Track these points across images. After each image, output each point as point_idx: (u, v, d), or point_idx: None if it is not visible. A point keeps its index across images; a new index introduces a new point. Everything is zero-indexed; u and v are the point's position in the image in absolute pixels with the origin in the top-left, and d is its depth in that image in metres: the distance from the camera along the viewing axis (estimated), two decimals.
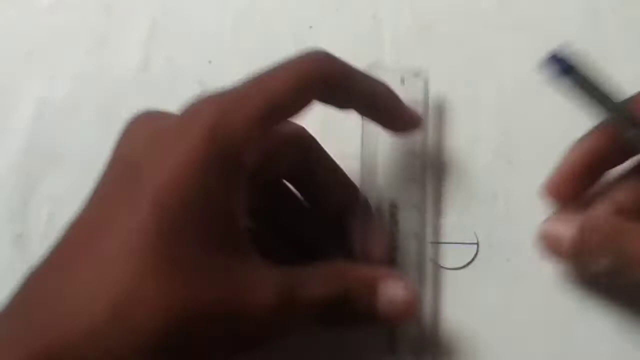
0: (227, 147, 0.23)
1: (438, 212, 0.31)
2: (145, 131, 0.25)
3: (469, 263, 0.30)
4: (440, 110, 0.33)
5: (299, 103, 0.25)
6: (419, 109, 0.31)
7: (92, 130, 0.33)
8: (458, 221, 0.31)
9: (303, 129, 0.28)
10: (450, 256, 0.30)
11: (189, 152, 0.23)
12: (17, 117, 0.34)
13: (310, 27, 0.34)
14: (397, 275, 0.26)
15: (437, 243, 0.31)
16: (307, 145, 0.29)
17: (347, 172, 0.30)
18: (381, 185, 0.31)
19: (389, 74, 0.31)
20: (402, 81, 0.32)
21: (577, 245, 0.27)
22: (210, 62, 0.34)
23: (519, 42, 0.34)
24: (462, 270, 0.30)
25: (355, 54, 0.34)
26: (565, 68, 0.25)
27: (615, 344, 0.29)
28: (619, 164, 0.29)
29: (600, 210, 0.28)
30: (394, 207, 0.30)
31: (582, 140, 0.28)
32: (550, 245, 0.28)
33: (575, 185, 0.29)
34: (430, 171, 0.32)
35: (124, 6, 0.35)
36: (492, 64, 0.34)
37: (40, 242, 0.31)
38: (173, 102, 0.29)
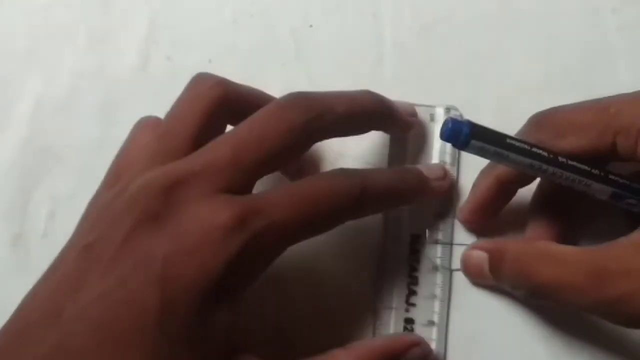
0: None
1: (443, 215, 0.31)
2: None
3: None
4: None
5: None
6: (448, 146, 0.31)
7: (91, 129, 0.33)
8: (459, 222, 0.31)
9: None
10: (453, 257, 0.30)
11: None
12: (16, 115, 0.33)
13: (311, 25, 0.34)
14: (416, 340, 0.28)
15: (438, 244, 0.31)
16: None
17: None
18: (404, 215, 0.31)
19: (418, 110, 0.31)
20: (432, 117, 0.32)
21: (492, 272, 0.28)
22: (210, 61, 0.34)
23: (519, 41, 0.34)
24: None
25: (355, 53, 0.34)
26: (463, 141, 0.25)
27: (618, 338, 0.29)
28: (527, 184, 0.29)
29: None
30: (415, 238, 0.31)
31: (488, 166, 0.29)
32: (474, 272, 0.29)
33: (487, 210, 0.30)
34: None
35: (122, 4, 0.35)
36: (493, 63, 0.33)
37: (39, 242, 0.31)
38: (172, 101, 0.29)
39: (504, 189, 0.29)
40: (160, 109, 0.27)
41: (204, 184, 0.24)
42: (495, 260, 0.28)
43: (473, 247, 0.29)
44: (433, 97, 0.32)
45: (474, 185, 0.30)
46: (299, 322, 0.30)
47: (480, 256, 0.28)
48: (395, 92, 0.32)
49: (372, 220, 0.31)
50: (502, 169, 0.29)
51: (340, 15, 0.34)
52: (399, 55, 0.34)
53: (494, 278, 0.28)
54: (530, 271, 0.26)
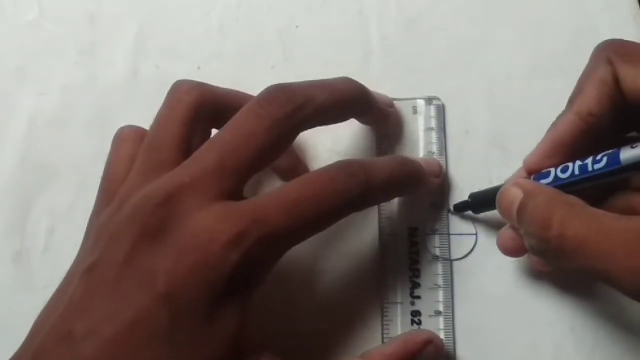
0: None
1: (438, 205, 0.31)
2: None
3: (469, 253, 0.30)
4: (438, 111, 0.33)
5: None
6: (433, 136, 0.31)
7: (85, 141, 0.33)
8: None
9: None
10: (451, 247, 0.30)
11: None
12: (11, 132, 0.33)
13: (297, 26, 0.34)
14: (429, 337, 0.27)
15: (436, 234, 0.31)
16: None
17: None
18: (399, 209, 0.31)
19: (400, 103, 0.32)
20: (415, 110, 0.32)
21: (518, 211, 0.25)
22: (199, 67, 0.34)
23: (505, 28, 0.34)
24: (463, 261, 0.30)
25: (343, 50, 0.34)
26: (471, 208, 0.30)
27: (617, 317, 0.29)
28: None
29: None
30: (412, 230, 0.31)
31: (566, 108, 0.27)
32: (505, 209, 0.27)
33: (566, 148, 0.27)
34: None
35: (109, 15, 0.35)
36: (481, 51, 0.33)
37: (40, 257, 0.31)
38: None
39: (588, 125, 0.26)
40: (152, 118, 0.28)
41: (195, 195, 0.24)
42: (526, 199, 0.25)
43: (514, 182, 0.27)
44: (424, 89, 0.33)
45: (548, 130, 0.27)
46: (306, 324, 0.30)
47: (516, 194, 0.26)
48: (385, 86, 0.32)
49: (370, 218, 0.31)
50: (580, 103, 0.26)
51: (326, 13, 0.34)
52: (387, 49, 0.34)
53: (517, 218, 0.26)
54: (557, 220, 0.23)
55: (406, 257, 0.30)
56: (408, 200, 0.31)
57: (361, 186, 0.25)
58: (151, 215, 0.23)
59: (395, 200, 0.31)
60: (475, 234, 0.31)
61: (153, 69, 0.34)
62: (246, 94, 0.28)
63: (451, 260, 0.30)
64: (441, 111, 0.32)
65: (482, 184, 0.31)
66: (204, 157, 0.25)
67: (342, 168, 0.25)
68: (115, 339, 0.22)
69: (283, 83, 0.26)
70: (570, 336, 0.29)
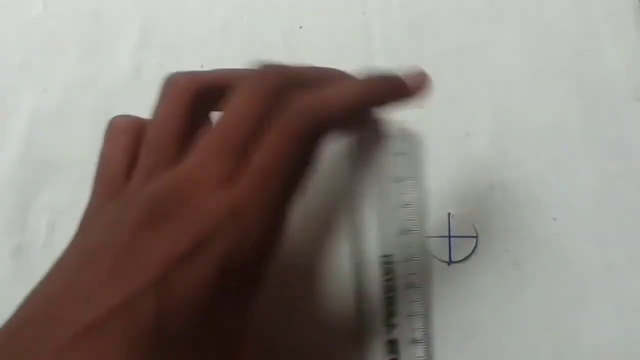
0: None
1: (437, 207, 0.31)
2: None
3: (468, 256, 0.31)
4: None
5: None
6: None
7: (87, 139, 0.33)
8: (456, 214, 0.31)
9: None
10: (451, 249, 0.30)
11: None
12: (13, 128, 0.33)
13: (301, 27, 0.35)
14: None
15: (436, 237, 0.31)
16: None
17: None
18: (370, 239, 0.31)
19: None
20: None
21: None
22: (202, 66, 0.34)
23: (508, 32, 0.34)
24: (462, 263, 0.30)
25: (346, 52, 0.34)
26: None
27: (616, 330, 0.29)
28: None
29: None
30: (385, 258, 0.30)
31: None
32: None
33: None
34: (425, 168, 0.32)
35: (113, 13, 0.35)
36: (482, 56, 0.34)
37: (40, 253, 0.31)
38: None
39: None
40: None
41: (198, 186, 0.24)
42: None
43: None
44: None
45: None
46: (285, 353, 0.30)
47: None
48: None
49: (342, 246, 0.31)
50: None
51: (330, 15, 0.35)
52: (390, 52, 0.34)
53: None
54: None
55: (381, 285, 0.30)
56: (379, 228, 0.31)
57: (316, 133, 0.24)
58: (152, 206, 0.24)
59: (367, 228, 0.31)
60: (476, 237, 0.31)
61: (156, 67, 0.34)
62: (236, 69, 0.28)
63: (451, 263, 0.30)
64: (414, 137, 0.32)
65: (483, 187, 0.31)
66: (206, 146, 0.25)
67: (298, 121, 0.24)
68: (94, 327, 0.22)
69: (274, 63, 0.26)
70: (571, 339, 0.29)
